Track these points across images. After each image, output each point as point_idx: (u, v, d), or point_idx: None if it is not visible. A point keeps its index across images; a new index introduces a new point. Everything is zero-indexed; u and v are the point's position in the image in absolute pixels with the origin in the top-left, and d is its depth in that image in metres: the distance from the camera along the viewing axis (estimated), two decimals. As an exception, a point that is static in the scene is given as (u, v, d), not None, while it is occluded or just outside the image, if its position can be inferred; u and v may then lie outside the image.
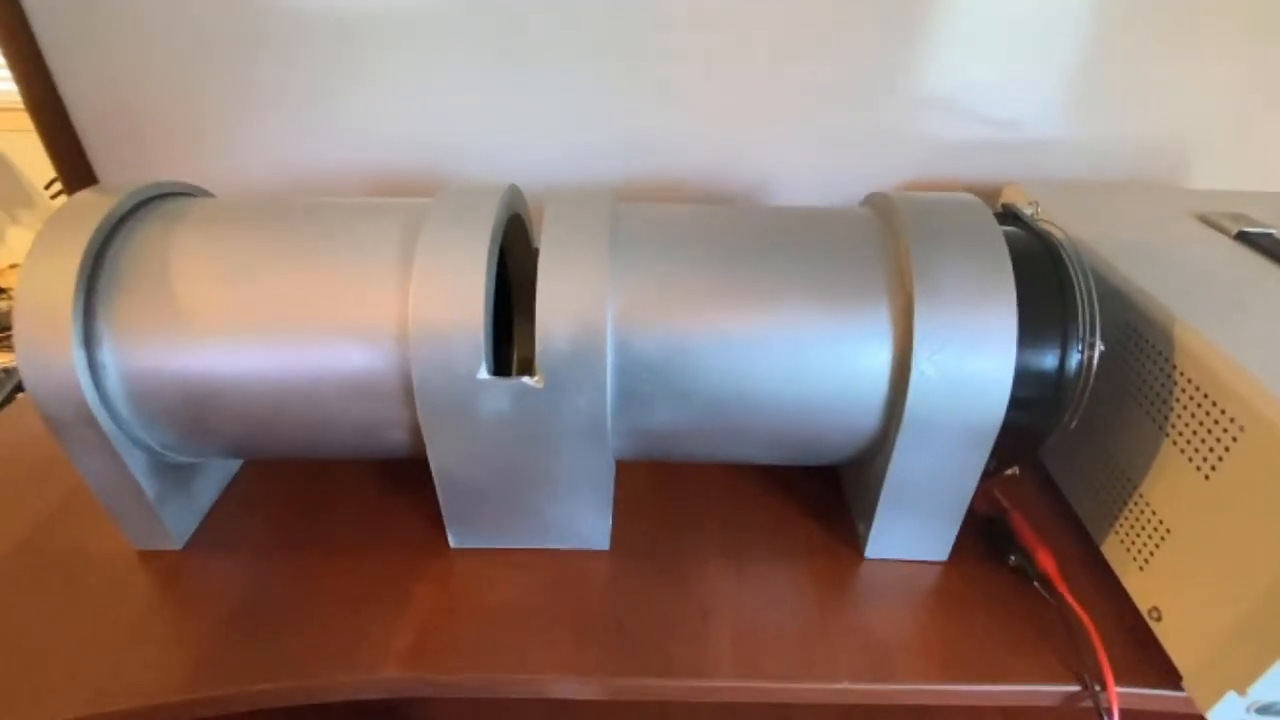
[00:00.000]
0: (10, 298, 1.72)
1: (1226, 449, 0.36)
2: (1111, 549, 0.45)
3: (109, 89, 0.63)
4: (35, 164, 1.68)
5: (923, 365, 0.38)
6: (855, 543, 0.48)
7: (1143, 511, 0.42)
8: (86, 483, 0.42)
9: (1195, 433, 0.38)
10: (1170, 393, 0.40)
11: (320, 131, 0.65)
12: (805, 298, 0.39)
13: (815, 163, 0.66)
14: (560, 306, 0.38)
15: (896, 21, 0.59)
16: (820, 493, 0.52)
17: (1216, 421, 0.36)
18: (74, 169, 0.66)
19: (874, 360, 0.39)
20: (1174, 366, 0.39)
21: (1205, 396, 0.37)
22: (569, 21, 0.60)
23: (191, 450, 0.44)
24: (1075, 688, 0.39)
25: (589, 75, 0.62)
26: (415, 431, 0.41)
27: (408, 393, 0.39)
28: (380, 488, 0.52)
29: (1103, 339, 0.38)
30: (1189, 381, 0.38)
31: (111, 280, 0.39)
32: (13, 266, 1.81)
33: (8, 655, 0.40)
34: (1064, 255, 0.40)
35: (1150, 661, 0.40)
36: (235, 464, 0.53)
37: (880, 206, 0.43)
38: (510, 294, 0.51)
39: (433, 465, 0.42)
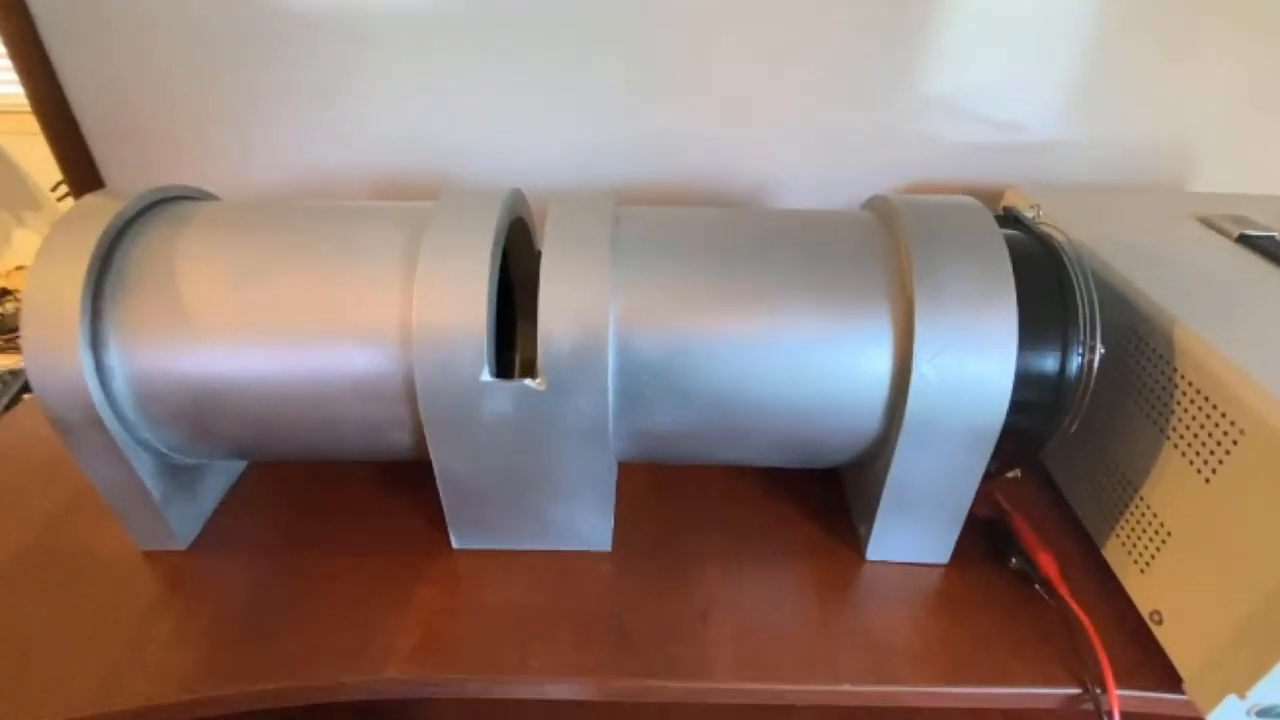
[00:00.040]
0: (17, 300, 1.73)
1: (1227, 452, 0.36)
2: (1112, 551, 0.45)
3: (115, 92, 0.63)
4: (41, 166, 1.69)
5: (924, 368, 0.38)
6: (856, 545, 0.48)
7: (1144, 514, 0.42)
8: (93, 484, 0.43)
9: (1196, 435, 0.38)
10: (1171, 396, 0.40)
11: (325, 133, 0.66)
12: (806, 300, 0.39)
13: (816, 164, 0.66)
14: (562, 309, 0.38)
15: (898, 23, 0.59)
16: (821, 495, 0.52)
17: (1217, 424, 0.36)
18: (80, 171, 0.67)
19: (875, 363, 0.39)
20: (1175, 369, 0.39)
21: (1206, 399, 0.37)
22: (571, 23, 0.60)
23: (197, 452, 0.45)
24: (1076, 690, 0.39)
25: (591, 77, 0.62)
26: (418, 433, 0.42)
27: (411, 395, 0.40)
28: (383, 489, 0.52)
29: (1104, 342, 0.38)
30: (1190, 384, 0.38)
31: (118, 283, 0.39)
32: (19, 268, 1.81)
33: (14, 654, 0.41)
34: (1065, 258, 0.40)
35: (1151, 664, 0.40)
36: (239, 465, 0.54)
37: (881, 209, 0.43)
38: (513, 297, 0.51)
39: (435, 467, 0.43)
